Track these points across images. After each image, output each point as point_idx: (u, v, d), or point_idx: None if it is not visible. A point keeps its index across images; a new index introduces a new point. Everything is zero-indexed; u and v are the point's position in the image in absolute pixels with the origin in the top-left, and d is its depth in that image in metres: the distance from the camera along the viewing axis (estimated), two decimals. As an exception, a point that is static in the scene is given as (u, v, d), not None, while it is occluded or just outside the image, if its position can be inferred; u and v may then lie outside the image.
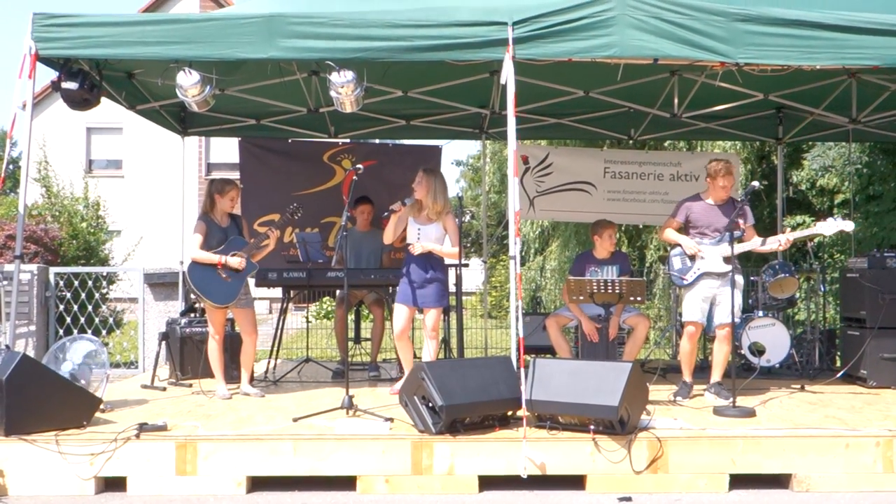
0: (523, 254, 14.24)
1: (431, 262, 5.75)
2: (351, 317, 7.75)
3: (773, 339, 6.94)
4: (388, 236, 5.78)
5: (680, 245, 5.94)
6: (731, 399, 5.24)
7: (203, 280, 5.85)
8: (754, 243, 5.77)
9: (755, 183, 5.46)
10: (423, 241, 5.70)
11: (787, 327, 7.13)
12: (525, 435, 4.51)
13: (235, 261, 5.89)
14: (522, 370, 4.69)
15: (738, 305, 5.67)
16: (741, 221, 5.80)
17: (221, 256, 5.87)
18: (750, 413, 5.10)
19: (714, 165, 5.88)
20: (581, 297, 5.73)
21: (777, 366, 6.99)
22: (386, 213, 5.69)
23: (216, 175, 20.73)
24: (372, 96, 6.70)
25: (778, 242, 5.69)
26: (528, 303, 12.29)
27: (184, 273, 5.89)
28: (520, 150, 8.34)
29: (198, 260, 5.88)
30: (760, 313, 7.19)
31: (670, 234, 6.02)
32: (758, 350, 6.97)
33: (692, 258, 5.85)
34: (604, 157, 8.66)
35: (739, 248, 5.73)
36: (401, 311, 5.74)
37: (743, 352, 6.96)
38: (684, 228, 6.02)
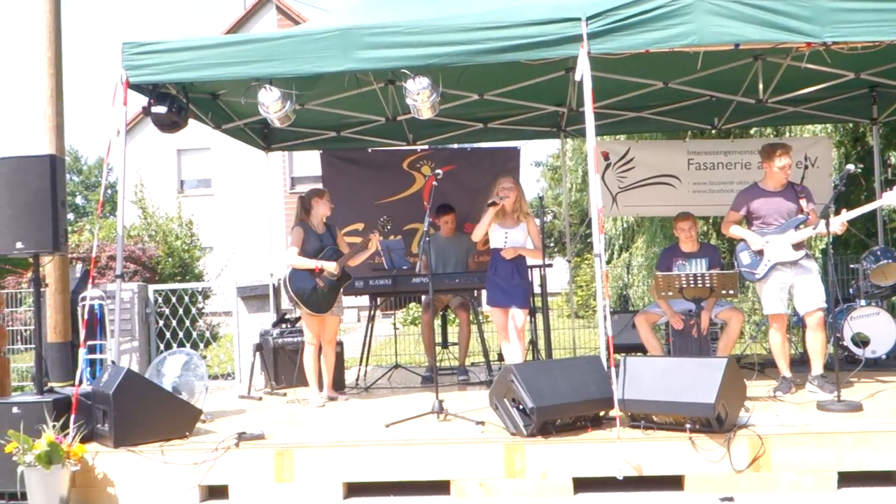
0: (608, 251, 14.03)
1: (518, 265, 5.80)
2: (437, 322, 7.80)
3: (877, 328, 6.62)
4: (480, 232, 5.79)
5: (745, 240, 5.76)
6: (836, 393, 5.02)
7: (301, 288, 5.99)
8: (820, 228, 5.51)
9: (850, 166, 5.22)
10: (510, 244, 5.75)
11: (893, 316, 6.79)
12: (619, 435, 4.44)
13: (331, 265, 6.02)
14: (613, 369, 4.62)
15: (821, 290, 5.45)
16: (804, 205, 5.60)
17: (318, 261, 6.01)
18: (856, 407, 4.87)
19: (769, 149, 5.66)
20: (670, 293, 5.61)
21: (883, 357, 6.67)
22: (491, 202, 5.68)
23: (300, 188, 21.24)
24: (448, 101, 6.73)
25: (840, 224, 5.38)
26: (616, 301, 12.10)
27: (283, 281, 6.05)
28: (600, 147, 8.24)
29: (296, 266, 6.03)
30: (863, 302, 6.87)
31: (735, 231, 5.83)
32: (861, 341, 6.67)
33: (760, 251, 5.65)
34: (687, 149, 8.47)
35: (804, 233, 5.51)
36: (498, 315, 5.81)
37: (846, 343, 6.66)
38: (746, 221, 5.83)
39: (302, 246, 6.09)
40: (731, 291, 5.50)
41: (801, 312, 5.58)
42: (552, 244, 26.07)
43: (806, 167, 8.23)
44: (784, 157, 5.60)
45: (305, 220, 6.18)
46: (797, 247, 5.55)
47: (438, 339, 7.64)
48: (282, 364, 6.93)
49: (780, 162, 5.60)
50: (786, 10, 4.81)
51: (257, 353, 7.04)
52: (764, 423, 4.57)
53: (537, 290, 6.22)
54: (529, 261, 5.87)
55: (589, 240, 20.80)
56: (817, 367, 5.59)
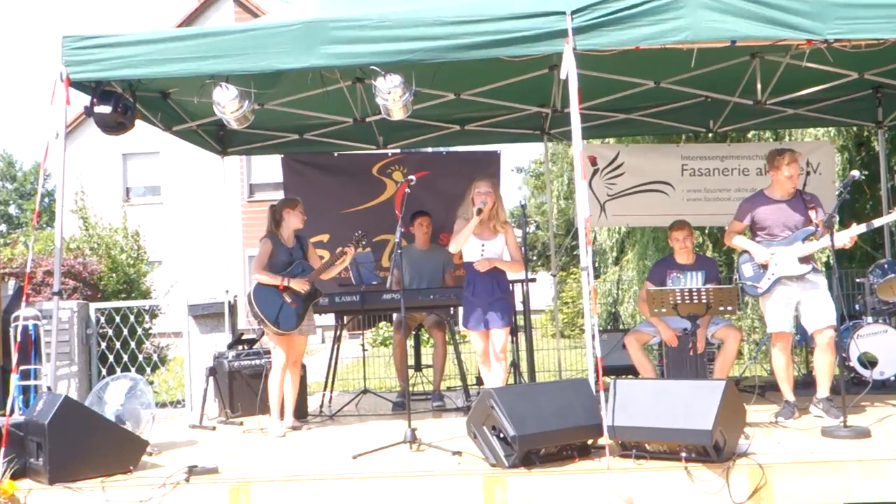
0: (596, 265, 14.11)
1: (498, 278, 5.75)
2: (410, 342, 7.77)
3: (885, 348, 6.71)
4: (460, 243, 5.66)
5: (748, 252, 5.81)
6: (842, 418, 5.06)
7: (267, 304, 5.99)
8: (827, 240, 5.57)
9: (855, 172, 5.30)
10: (487, 255, 5.68)
11: (902, 334, 6.88)
12: (609, 465, 4.44)
13: (298, 283, 6.05)
14: (602, 393, 4.63)
15: (832, 307, 5.51)
16: (813, 216, 5.66)
17: (285, 278, 6.03)
18: (864, 433, 4.92)
19: (776, 154, 5.71)
20: (663, 309, 5.64)
21: (892, 378, 6.75)
22: (479, 208, 5.59)
23: (259, 196, 21.17)
24: (422, 101, 6.74)
25: (849, 237, 5.43)
26: (605, 319, 12.13)
27: (248, 296, 6.03)
28: (587, 151, 8.29)
29: (261, 279, 6.04)
30: (870, 319, 6.95)
31: (739, 242, 5.88)
32: (869, 361, 6.74)
33: (764, 264, 5.70)
34: (681, 154, 8.54)
35: (812, 246, 5.57)
36: (477, 340, 5.76)
37: (852, 364, 6.74)
38: (751, 231, 5.89)
39: (270, 259, 6.10)
40: (730, 308, 5.55)
41: (810, 330, 5.63)
42: (535, 257, 26.23)
43: (808, 173, 8.33)
44: (792, 165, 5.64)
45: (275, 232, 6.21)
46: (804, 260, 5.60)
47: (411, 361, 7.62)
48: (238, 390, 6.87)
49: (787, 171, 5.63)
50: (785, 6, 4.88)
51: (211, 378, 6.98)
52: (765, 451, 4.60)
53: (519, 307, 6.23)
54: (510, 275, 5.86)
55: (575, 252, 20.92)
56: (823, 389, 5.64)
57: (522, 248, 5.77)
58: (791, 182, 5.68)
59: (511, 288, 5.95)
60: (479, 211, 5.57)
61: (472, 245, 5.73)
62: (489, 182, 5.75)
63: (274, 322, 6.00)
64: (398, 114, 5.62)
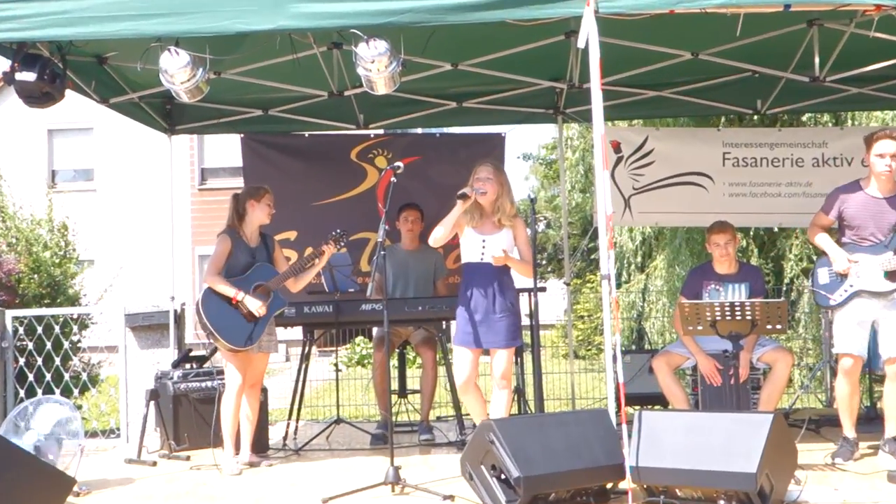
0: (619, 272, 14.11)
1: (504, 285, 5.72)
2: (394, 362, 7.76)
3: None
4: (442, 234, 5.60)
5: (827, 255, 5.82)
6: (913, 460, 5.09)
7: (219, 314, 6.01)
8: None
9: None
10: (490, 255, 5.62)
11: None
12: (631, 515, 4.44)
13: (255, 304, 6.05)
14: (624, 427, 4.63)
15: None
16: None
17: (239, 292, 6.00)
18: (939, 479, 4.94)
19: (877, 138, 5.62)
20: (699, 327, 5.64)
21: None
22: (461, 193, 5.55)
23: (213, 184, 21.12)
24: (412, 72, 6.73)
25: None
26: (629, 337, 12.15)
27: (196, 304, 6.03)
28: (609, 135, 8.29)
29: (213, 286, 6.07)
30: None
31: (821, 241, 5.89)
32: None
33: (844, 272, 5.71)
34: (722, 139, 8.56)
35: None
36: (463, 357, 5.70)
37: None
38: (838, 229, 5.89)
39: (228, 261, 6.12)
40: (779, 326, 5.55)
41: (884, 357, 5.64)
42: (545, 262, 26.25)
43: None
44: (886, 141, 5.52)
45: (236, 227, 6.21)
46: (892, 276, 5.59)
47: (394, 385, 7.61)
48: (185, 417, 6.87)
49: (889, 161, 5.53)
50: (851, -37, 4.89)
51: (152, 403, 6.95)
52: (820, 498, 4.61)
53: (525, 321, 6.22)
54: (517, 279, 5.85)
55: (593, 256, 20.98)
56: (893, 427, 5.66)
57: (533, 253, 5.77)
58: (889, 174, 5.56)
59: (518, 298, 5.93)
60: (465, 196, 5.54)
61: (470, 241, 5.71)
62: (492, 167, 5.74)
63: (226, 336, 5.99)
64: (383, 87, 5.61)
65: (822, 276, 5.83)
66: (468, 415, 7.30)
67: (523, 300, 6.23)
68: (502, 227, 5.71)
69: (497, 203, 5.69)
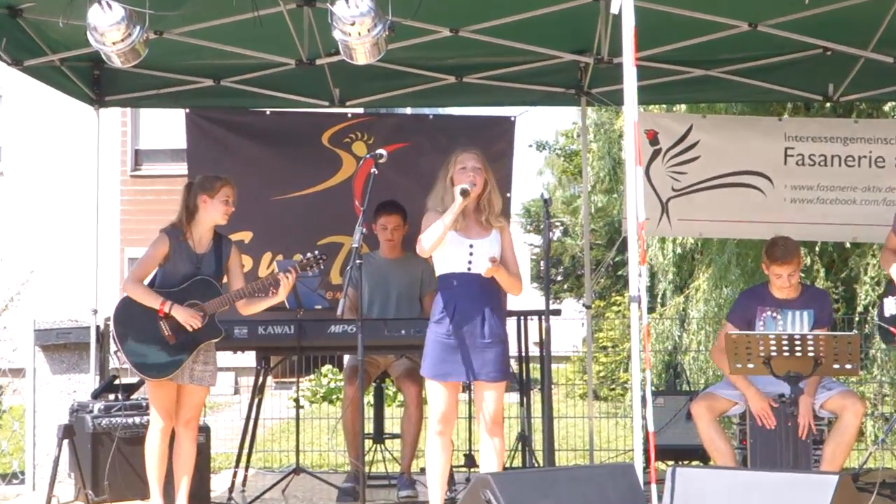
0: (652, 293, 14.11)
1: (492, 304, 5.72)
2: (369, 399, 7.76)
3: None
4: (434, 238, 5.56)
5: None
6: None
7: (133, 332, 5.98)
8: None
9: None
10: (478, 264, 5.62)
11: None
12: None
13: (185, 314, 5.97)
14: (654, 487, 4.65)
15: None
16: None
17: (167, 302, 5.97)
18: None
19: None
20: (749, 364, 5.65)
21: None
22: (464, 188, 5.53)
23: (150, 169, 21.09)
24: (401, 38, 6.74)
25: None
26: (663, 374, 12.14)
27: (107, 319, 6.02)
28: (644, 122, 8.31)
29: (133, 296, 6.01)
30: None
31: (894, 271, 5.93)
32: None
33: None
34: (784, 131, 8.58)
35: None
36: (438, 393, 5.69)
37: None
38: None
39: (163, 267, 6.09)
40: (849, 366, 5.56)
41: None
42: (560, 278, 26.28)
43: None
44: None
45: (182, 226, 6.16)
46: None
47: (369, 427, 7.61)
48: (106, 461, 6.84)
49: None
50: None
51: (65, 442, 6.94)
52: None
53: (534, 351, 6.24)
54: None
55: (621, 273, 20.81)
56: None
57: (544, 265, 5.79)
58: None
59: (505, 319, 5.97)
60: (465, 191, 5.53)
61: (453, 248, 5.67)
62: (477, 155, 5.74)
63: (140, 361, 5.98)
64: (364, 56, 5.63)
65: (889, 306, 5.87)
66: (460, 466, 7.34)
67: (531, 327, 6.26)
68: (490, 230, 5.72)
69: (485, 199, 5.71)
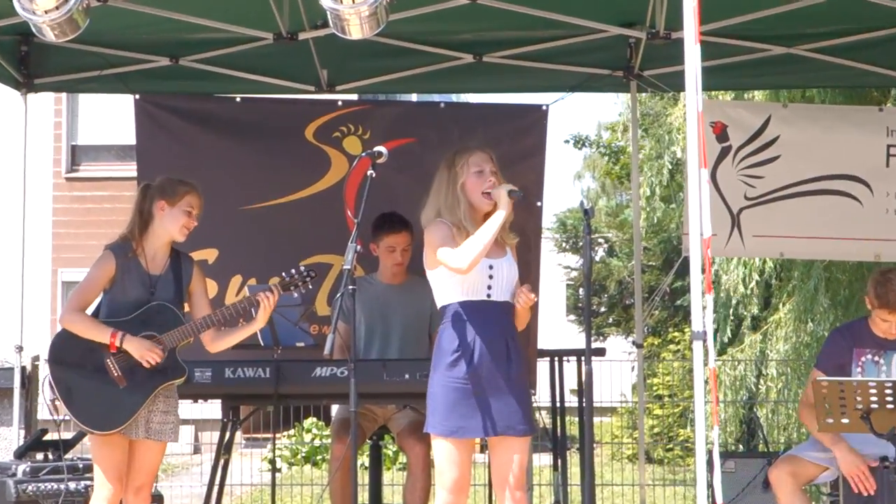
0: (721, 328, 14.10)
1: (513, 336, 5.77)
2: (363, 460, 7.75)
3: None
4: (474, 253, 5.51)
5: None
6: None
7: (74, 374, 5.98)
8: None
9: None
10: (499, 288, 5.69)
11: None
12: None
13: (141, 347, 5.95)
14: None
15: None
16: None
17: (120, 333, 5.96)
18: None
19: None
20: (843, 419, 5.64)
21: None
22: (515, 192, 5.59)
23: (87, 171, 21.12)
24: (405, 7, 6.77)
25: None
26: (736, 430, 12.12)
27: (35, 359, 6.01)
28: (710, 113, 8.32)
29: (74, 329, 6.01)
30: None
31: None
32: None
33: None
34: (886, 125, 8.61)
35: None
36: (450, 454, 5.70)
37: None
38: None
39: (109, 292, 6.10)
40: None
41: None
42: (604, 308, 26.24)
43: None
44: None
45: (134, 238, 6.17)
46: None
47: (363, 496, 7.60)
48: (33, 538, 6.87)
49: None
50: None
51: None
52: None
53: (570, 400, 6.23)
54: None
55: (680, 302, 20.83)
56: None
57: (584, 293, 5.78)
58: None
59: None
60: (519, 195, 5.61)
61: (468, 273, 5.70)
62: (492, 157, 5.81)
63: (81, 412, 5.98)
64: (359, 30, 5.64)
65: None
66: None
67: (567, 370, 6.24)
68: (505, 247, 5.79)
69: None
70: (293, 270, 6.31)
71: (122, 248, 6.14)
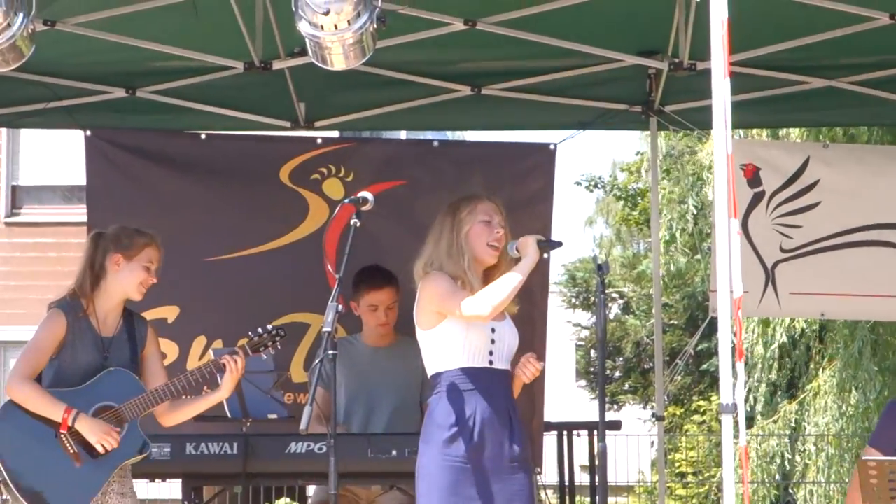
0: (752, 398, 14.13)
1: (514, 409, 5.81)
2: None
3: None
4: (498, 301, 5.57)
5: None
6: None
7: (25, 451, 5.98)
8: None
9: None
10: (500, 353, 5.73)
11: None
12: None
13: (97, 430, 5.96)
14: None
15: None
16: None
17: (71, 411, 5.95)
18: None
19: None
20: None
21: None
22: (545, 242, 5.71)
23: (30, 214, 21.16)
24: (395, 33, 6.82)
25: None
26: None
27: None
28: (741, 154, 8.35)
29: (23, 402, 6.00)
30: None
31: None
32: None
33: None
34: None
35: None
36: None
37: None
38: None
39: (59, 357, 6.09)
40: None
41: None
42: (619, 373, 26.24)
43: None
44: None
45: (85, 294, 6.17)
46: None
47: None
48: None
49: None
50: None
51: None
52: None
53: (581, 478, 6.25)
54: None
55: (706, 367, 20.75)
56: None
57: (597, 356, 5.82)
58: None
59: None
60: (545, 243, 5.70)
61: (471, 331, 5.73)
62: (500, 208, 5.87)
63: (32, 496, 5.96)
64: (342, 59, 5.68)
65: None
66: None
67: (578, 445, 6.26)
68: (505, 312, 5.81)
69: (503, 265, 5.81)
70: (260, 329, 6.34)
71: (71, 305, 6.14)
